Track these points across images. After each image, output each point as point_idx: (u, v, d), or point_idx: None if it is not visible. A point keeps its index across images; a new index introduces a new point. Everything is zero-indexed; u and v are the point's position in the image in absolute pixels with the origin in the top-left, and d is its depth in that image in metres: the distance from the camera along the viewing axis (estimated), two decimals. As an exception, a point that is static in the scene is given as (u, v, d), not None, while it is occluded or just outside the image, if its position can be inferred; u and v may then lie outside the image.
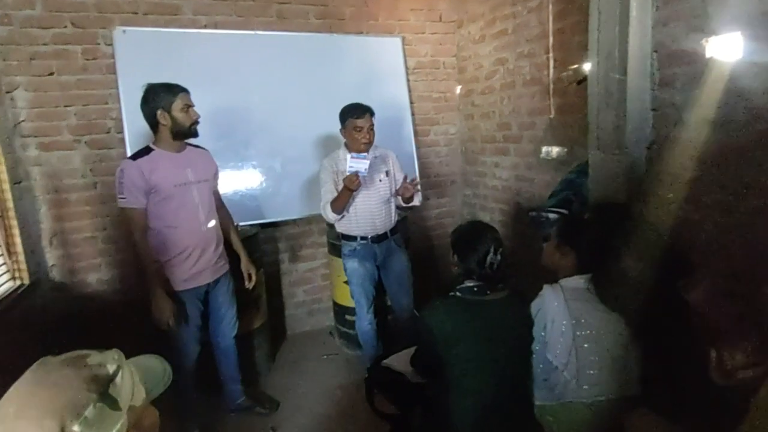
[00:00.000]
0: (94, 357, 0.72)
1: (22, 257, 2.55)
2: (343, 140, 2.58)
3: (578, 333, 1.54)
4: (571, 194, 2.19)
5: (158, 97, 2.02)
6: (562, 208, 2.15)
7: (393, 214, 2.71)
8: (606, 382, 1.53)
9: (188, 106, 2.08)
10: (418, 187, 2.56)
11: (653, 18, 1.71)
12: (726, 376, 1.09)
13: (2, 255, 2.48)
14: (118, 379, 0.71)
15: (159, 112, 2.03)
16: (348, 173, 2.32)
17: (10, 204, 2.49)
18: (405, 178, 2.56)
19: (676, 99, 1.67)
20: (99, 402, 0.66)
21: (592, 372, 1.53)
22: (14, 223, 2.51)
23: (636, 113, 1.78)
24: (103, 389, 0.68)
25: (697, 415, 1.44)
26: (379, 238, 2.64)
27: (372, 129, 2.48)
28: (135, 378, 0.76)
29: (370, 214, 2.59)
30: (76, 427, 0.63)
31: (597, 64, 1.90)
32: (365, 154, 2.36)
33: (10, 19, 2.56)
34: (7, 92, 2.59)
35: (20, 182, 2.62)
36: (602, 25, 1.85)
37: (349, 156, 2.35)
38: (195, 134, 2.13)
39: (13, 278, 2.54)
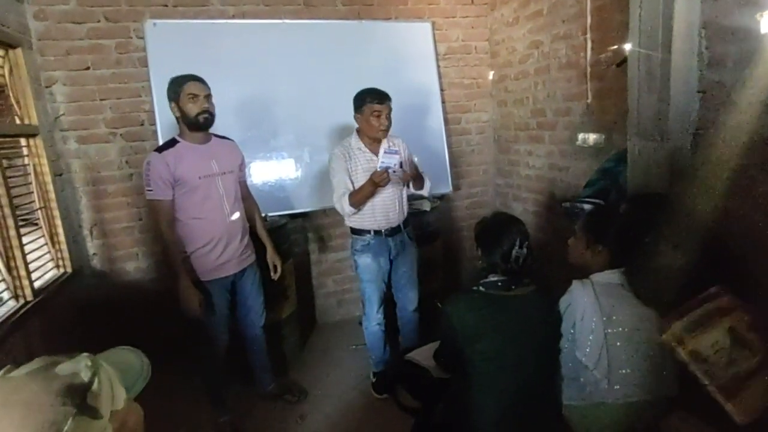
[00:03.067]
0: (65, 366, 0.66)
1: (65, 246, 2.67)
2: (356, 127, 2.45)
3: (609, 330, 1.46)
4: (609, 184, 2.08)
5: (170, 90, 2.05)
6: (599, 198, 2.04)
7: (405, 206, 2.57)
8: (640, 382, 1.45)
9: (194, 95, 2.02)
10: (422, 170, 2.45)
11: (702, -10, 1.57)
12: None
13: (47, 244, 2.59)
14: (95, 386, 0.66)
15: (172, 104, 2.06)
16: (379, 169, 2.17)
17: (53, 195, 2.59)
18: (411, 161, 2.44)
19: (725, 80, 1.53)
20: (78, 415, 0.62)
21: (624, 371, 1.45)
22: (57, 213, 2.62)
23: (681, 96, 1.64)
24: (80, 400, 0.63)
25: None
26: (393, 231, 2.50)
27: (390, 116, 2.34)
28: (113, 381, 0.71)
29: (384, 206, 2.43)
30: None
31: (638, 44, 1.76)
32: (396, 149, 2.25)
33: (45, 15, 2.63)
34: (47, 87, 2.68)
35: (61, 174, 2.73)
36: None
37: (382, 150, 2.23)
38: (202, 124, 2.07)
39: (57, 266, 2.65)
